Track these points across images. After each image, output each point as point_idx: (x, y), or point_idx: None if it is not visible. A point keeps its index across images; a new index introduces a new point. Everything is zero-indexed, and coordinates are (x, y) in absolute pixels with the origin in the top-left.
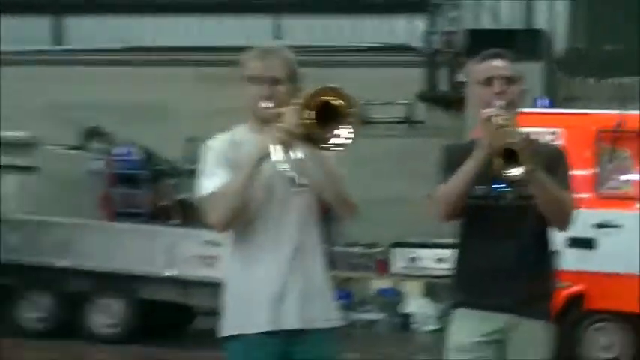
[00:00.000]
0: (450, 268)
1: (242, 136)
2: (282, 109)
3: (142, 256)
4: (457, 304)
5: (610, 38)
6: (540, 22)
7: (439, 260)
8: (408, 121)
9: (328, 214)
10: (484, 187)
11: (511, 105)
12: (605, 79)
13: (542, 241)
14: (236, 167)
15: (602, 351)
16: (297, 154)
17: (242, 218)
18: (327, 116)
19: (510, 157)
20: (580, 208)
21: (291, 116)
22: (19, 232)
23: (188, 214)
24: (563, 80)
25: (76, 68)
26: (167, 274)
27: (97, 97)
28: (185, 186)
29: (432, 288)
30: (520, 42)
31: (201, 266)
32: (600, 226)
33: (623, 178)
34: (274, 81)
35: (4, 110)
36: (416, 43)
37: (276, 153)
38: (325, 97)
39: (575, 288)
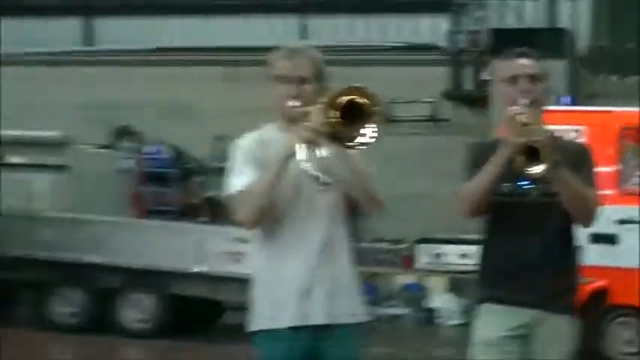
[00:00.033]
0: (474, 264)
1: (270, 134)
2: (309, 108)
3: (172, 253)
4: (483, 300)
5: (633, 36)
6: (563, 21)
7: (463, 256)
8: (433, 119)
9: (355, 211)
10: (509, 184)
11: (536, 103)
12: (628, 76)
13: (567, 237)
14: (264, 166)
15: (625, 345)
16: (323, 152)
17: (270, 216)
18: (353, 115)
19: (533, 154)
20: (603, 204)
21: (317, 115)
22: (51, 229)
23: (216, 211)
24: (587, 78)
25: (107, 69)
26: (196, 270)
27: (127, 96)
28: (213, 184)
29: (457, 283)
30: (543, 40)
31: (230, 262)
32: (623, 222)
33: None
34: (301, 80)
35: (36, 110)
36: (440, 42)
37: (302, 151)
38: (351, 96)
39: (599, 283)
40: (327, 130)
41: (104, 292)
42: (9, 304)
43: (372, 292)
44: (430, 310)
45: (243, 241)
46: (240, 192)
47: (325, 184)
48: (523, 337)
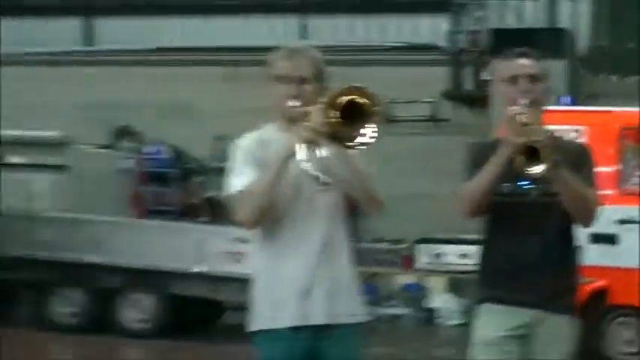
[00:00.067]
0: (474, 264)
1: (270, 134)
2: (309, 108)
3: (172, 253)
4: (483, 300)
5: (633, 36)
6: (563, 21)
7: (463, 256)
8: (433, 119)
9: (355, 211)
10: (509, 184)
11: (536, 103)
12: (628, 76)
13: (567, 237)
14: (264, 166)
15: (625, 345)
16: (323, 152)
17: (270, 215)
18: (353, 115)
19: (533, 154)
20: (603, 204)
21: (317, 115)
22: (51, 229)
23: (216, 211)
24: (587, 78)
25: (107, 69)
26: (196, 270)
27: (127, 96)
28: (213, 184)
29: (456, 283)
30: (543, 40)
31: (230, 262)
32: (623, 222)
33: None
34: (301, 80)
35: (36, 110)
36: (440, 42)
37: (302, 151)
38: (351, 97)
39: (599, 283)
40: (327, 130)
41: (104, 292)
42: (9, 304)
43: (372, 292)
44: (430, 310)
45: (243, 241)
46: (240, 192)
47: (325, 184)
48: (523, 337)
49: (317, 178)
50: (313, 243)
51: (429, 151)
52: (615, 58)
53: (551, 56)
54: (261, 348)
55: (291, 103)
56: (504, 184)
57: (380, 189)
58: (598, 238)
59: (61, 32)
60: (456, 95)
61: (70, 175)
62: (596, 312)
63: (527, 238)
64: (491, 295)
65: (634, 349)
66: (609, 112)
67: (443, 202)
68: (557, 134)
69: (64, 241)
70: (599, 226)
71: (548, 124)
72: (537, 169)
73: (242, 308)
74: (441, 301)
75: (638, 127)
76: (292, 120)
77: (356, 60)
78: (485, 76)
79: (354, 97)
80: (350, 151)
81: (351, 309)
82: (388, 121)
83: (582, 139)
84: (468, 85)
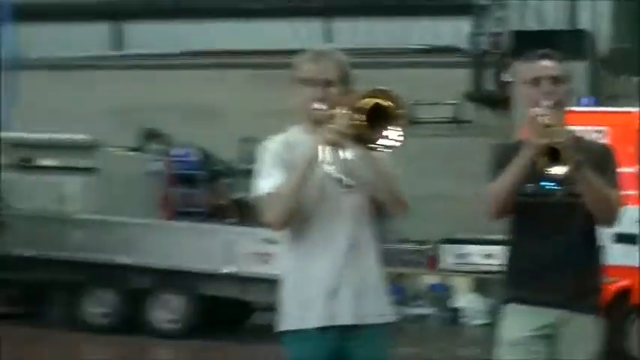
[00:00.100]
0: (498, 264)
1: (296, 137)
2: (334, 111)
3: (201, 254)
4: (508, 300)
5: None
6: (584, 22)
7: (488, 256)
8: (456, 120)
9: (381, 212)
10: (533, 185)
11: (558, 105)
12: None
13: (591, 237)
14: (291, 168)
15: None
16: (348, 154)
17: (297, 217)
18: (377, 117)
19: (555, 155)
20: (626, 204)
21: (342, 118)
22: (82, 231)
23: (244, 212)
24: (607, 79)
25: (135, 72)
26: (225, 271)
27: (155, 99)
28: (240, 185)
29: (481, 283)
30: (564, 42)
31: (258, 263)
32: None
33: None
34: (327, 83)
35: (65, 114)
36: (462, 44)
37: (327, 154)
38: (375, 99)
39: (622, 283)
40: (352, 132)
41: (135, 293)
42: (42, 304)
43: (399, 292)
44: (455, 310)
45: (272, 242)
46: (268, 194)
47: (349, 186)
48: (548, 337)
49: (341, 181)
50: (340, 244)
51: (451, 152)
52: (636, 59)
53: (573, 58)
54: (290, 348)
55: (316, 106)
56: (528, 185)
57: (403, 190)
58: (621, 238)
59: (90, 37)
60: (478, 97)
61: (99, 178)
62: (620, 312)
63: (552, 239)
64: (516, 296)
65: None
66: (630, 112)
67: (465, 203)
68: (579, 135)
69: (95, 243)
70: (622, 227)
71: (570, 125)
72: (559, 170)
73: (271, 308)
74: (466, 300)
75: None
76: (318, 122)
77: (379, 62)
78: (506, 77)
79: (378, 99)
80: (375, 153)
81: (379, 309)
82: (412, 123)
83: (604, 140)
84: (490, 86)
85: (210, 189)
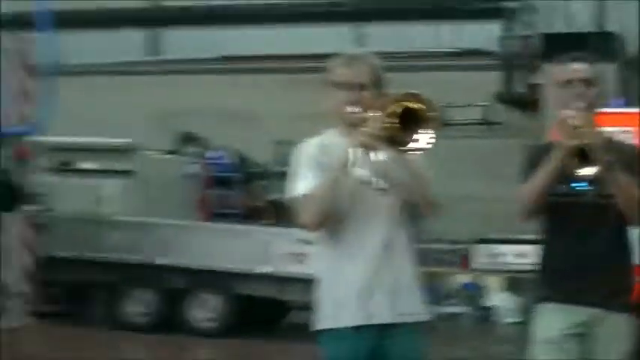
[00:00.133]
0: (530, 264)
1: (331, 139)
2: (368, 114)
3: (237, 254)
4: (542, 299)
5: None
6: (612, 24)
7: (519, 256)
8: (486, 122)
9: (415, 213)
10: (565, 185)
11: (590, 107)
12: None
13: (622, 237)
14: (326, 170)
15: None
16: (381, 157)
17: (332, 219)
18: (410, 121)
19: (585, 156)
20: None
21: (375, 121)
22: (121, 232)
23: (280, 213)
24: (636, 80)
25: (171, 77)
26: (261, 270)
27: (191, 104)
28: (275, 187)
29: (513, 282)
30: (593, 44)
31: (294, 263)
32: None
33: None
34: (360, 87)
35: (104, 119)
36: (492, 47)
37: (360, 157)
38: (408, 102)
39: None
40: (384, 135)
41: (173, 293)
42: (84, 304)
43: (433, 291)
44: (487, 309)
45: (307, 242)
46: (304, 196)
47: (382, 188)
48: (582, 335)
49: (374, 183)
50: (374, 245)
51: (482, 153)
52: None
53: (602, 59)
54: (326, 347)
55: (350, 109)
56: (560, 186)
57: (436, 191)
58: None
59: (127, 43)
60: (508, 99)
61: (137, 180)
62: None
63: (584, 239)
64: (550, 295)
65: None
66: None
67: (496, 203)
68: (610, 136)
69: (134, 244)
70: None
71: (601, 126)
72: (590, 170)
73: (306, 307)
74: (498, 299)
75: None
76: (351, 125)
77: (411, 66)
78: (536, 79)
79: (411, 103)
80: (407, 155)
81: (413, 308)
82: (443, 125)
83: (634, 141)
84: (520, 88)
85: (245, 191)
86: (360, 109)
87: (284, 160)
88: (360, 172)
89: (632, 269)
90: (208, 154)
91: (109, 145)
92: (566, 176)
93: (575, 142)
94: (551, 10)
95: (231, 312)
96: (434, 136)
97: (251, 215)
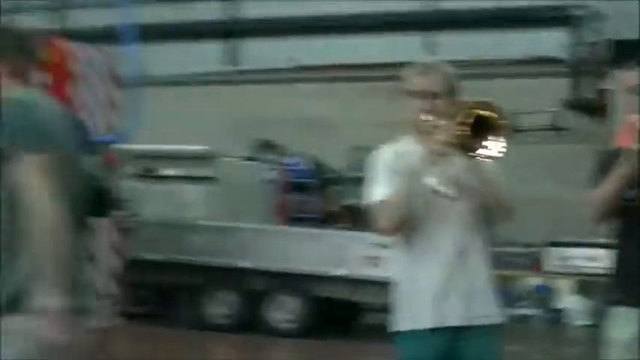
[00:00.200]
0: (601, 267)
1: (406, 147)
2: (441, 122)
3: (315, 258)
4: (615, 302)
5: None
6: None
7: (591, 259)
8: (555, 128)
9: (488, 217)
10: (635, 190)
11: None
12: None
13: None
14: (401, 177)
15: None
16: (453, 164)
17: (407, 224)
18: (481, 128)
19: None
20: None
21: (448, 128)
22: (203, 236)
23: (355, 218)
24: None
25: (250, 87)
26: (337, 273)
27: (269, 112)
28: (350, 192)
29: (584, 285)
30: None
31: (369, 266)
32: None
33: None
34: (434, 95)
35: (186, 126)
36: (561, 54)
37: (434, 164)
38: (479, 111)
39: None
40: (457, 142)
41: (253, 294)
42: (169, 305)
43: (505, 294)
44: (558, 311)
45: (382, 246)
46: (380, 202)
47: (454, 195)
48: None
49: (448, 189)
50: (447, 251)
51: (551, 158)
52: None
53: None
54: (402, 347)
55: (423, 117)
56: (630, 191)
57: (508, 195)
58: None
59: (207, 54)
60: (576, 105)
61: (218, 186)
62: None
63: None
64: (622, 298)
65: None
66: None
67: (566, 208)
68: None
69: (216, 247)
70: None
71: None
72: None
73: (380, 309)
74: (569, 302)
75: None
76: (425, 133)
77: (481, 73)
78: (604, 85)
79: (482, 111)
80: (479, 162)
81: (487, 311)
82: (514, 132)
83: None
84: (588, 94)
85: (321, 196)
86: (434, 117)
87: (359, 165)
88: (433, 179)
89: None
90: (285, 160)
91: (191, 153)
92: (637, 181)
93: None
94: (617, 16)
95: (309, 313)
96: (505, 144)
97: (327, 219)
